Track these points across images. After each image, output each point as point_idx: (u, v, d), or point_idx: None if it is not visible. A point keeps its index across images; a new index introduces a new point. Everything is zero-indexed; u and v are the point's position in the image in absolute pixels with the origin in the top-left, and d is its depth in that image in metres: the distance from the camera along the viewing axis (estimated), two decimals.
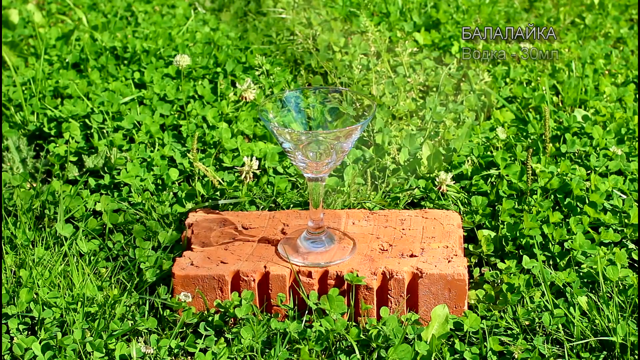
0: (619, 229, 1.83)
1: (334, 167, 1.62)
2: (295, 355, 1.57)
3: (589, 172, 2.00)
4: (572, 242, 1.77)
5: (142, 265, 1.74)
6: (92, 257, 1.79)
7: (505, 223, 1.83)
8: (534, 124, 2.16)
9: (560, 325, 1.59)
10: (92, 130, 2.20)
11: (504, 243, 1.81)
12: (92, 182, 2.02)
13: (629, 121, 2.18)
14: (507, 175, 1.97)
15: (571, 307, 1.62)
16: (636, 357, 1.53)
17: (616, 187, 1.93)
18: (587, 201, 1.89)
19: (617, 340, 1.53)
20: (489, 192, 1.95)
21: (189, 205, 1.92)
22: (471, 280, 1.77)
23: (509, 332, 1.61)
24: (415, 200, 1.96)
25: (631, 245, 1.80)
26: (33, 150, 2.17)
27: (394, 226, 1.75)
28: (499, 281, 1.72)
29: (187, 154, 2.10)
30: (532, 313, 1.62)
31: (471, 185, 1.97)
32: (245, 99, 2.16)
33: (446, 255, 1.66)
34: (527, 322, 1.62)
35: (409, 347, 1.54)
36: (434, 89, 2.40)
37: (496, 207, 1.90)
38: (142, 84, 2.41)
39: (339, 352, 1.57)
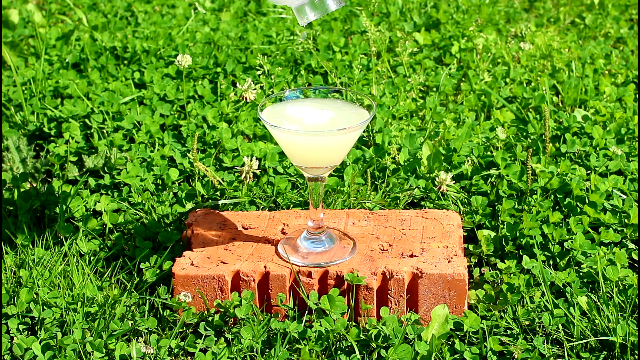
0: (619, 229, 1.83)
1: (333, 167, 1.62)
2: (295, 355, 1.57)
3: (589, 172, 2.00)
4: (572, 242, 1.77)
5: (142, 265, 1.74)
6: (92, 257, 1.79)
7: (505, 223, 1.83)
8: (534, 124, 2.17)
9: (560, 325, 1.59)
10: (92, 130, 2.20)
11: (504, 243, 1.81)
12: (92, 182, 2.03)
13: (629, 121, 2.18)
14: (507, 175, 1.97)
15: (571, 307, 1.62)
16: (636, 357, 1.53)
17: (616, 187, 1.93)
18: (587, 201, 1.89)
19: (617, 340, 1.53)
20: (489, 192, 1.95)
21: (189, 205, 1.92)
22: (471, 280, 1.77)
23: (509, 332, 1.61)
24: (415, 200, 1.96)
25: (631, 245, 1.80)
26: (33, 150, 2.17)
27: (394, 226, 1.75)
28: (499, 281, 1.72)
29: (187, 154, 2.10)
30: (532, 313, 1.62)
31: (471, 185, 1.97)
32: (246, 99, 2.16)
33: (446, 255, 1.66)
34: (527, 322, 1.62)
35: (409, 347, 1.54)
36: (434, 89, 2.40)
37: (496, 207, 1.90)
38: (142, 84, 2.41)
39: (339, 352, 1.57)
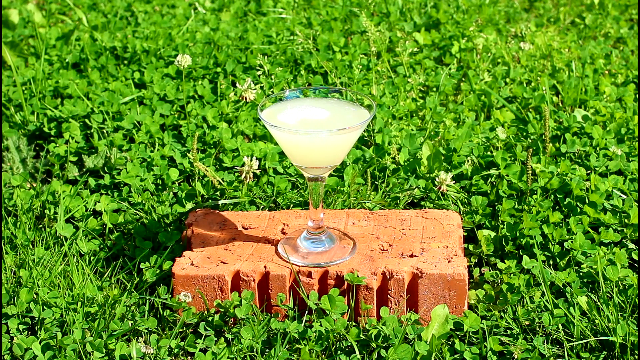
0: (619, 229, 1.83)
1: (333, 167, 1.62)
2: (295, 355, 1.57)
3: (589, 172, 2.00)
4: (572, 242, 1.77)
5: (142, 265, 1.74)
6: (92, 257, 1.79)
7: (505, 223, 1.83)
8: (534, 124, 2.17)
9: (560, 325, 1.59)
10: (92, 130, 2.20)
11: (504, 243, 1.81)
12: (92, 182, 2.03)
13: (629, 121, 2.18)
14: (507, 175, 1.97)
15: (571, 307, 1.62)
16: (636, 357, 1.53)
17: (616, 187, 1.93)
18: (587, 201, 1.89)
19: (617, 340, 1.53)
20: (489, 192, 1.95)
21: (189, 205, 1.92)
22: (471, 280, 1.77)
23: (509, 332, 1.61)
24: (415, 200, 1.96)
25: (631, 245, 1.80)
26: (33, 150, 2.17)
27: (394, 226, 1.75)
28: (499, 281, 1.72)
29: (187, 154, 2.10)
30: (532, 313, 1.62)
31: (471, 185, 1.97)
32: (246, 99, 2.16)
33: (446, 255, 1.66)
34: (527, 322, 1.62)
35: (409, 347, 1.54)
36: (434, 89, 2.40)
37: (496, 207, 1.90)
38: (142, 84, 2.41)
39: (339, 352, 1.57)
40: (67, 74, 2.44)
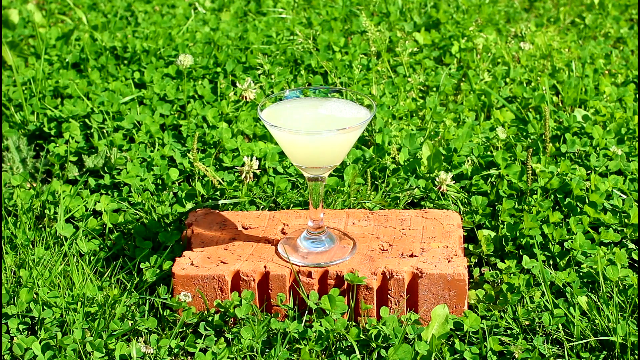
0: (619, 229, 1.83)
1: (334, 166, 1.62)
2: (295, 355, 1.57)
3: (589, 172, 2.00)
4: (572, 242, 1.77)
5: (142, 265, 1.74)
6: (92, 257, 1.79)
7: (505, 223, 1.83)
8: (534, 124, 2.17)
9: (560, 325, 1.59)
10: (92, 130, 2.20)
11: (504, 243, 1.81)
12: (92, 182, 2.03)
13: (629, 121, 2.18)
14: (507, 175, 1.97)
15: (571, 307, 1.62)
16: (636, 357, 1.53)
17: (616, 187, 1.93)
18: (587, 201, 1.89)
19: (617, 340, 1.53)
20: (489, 192, 1.95)
21: (189, 205, 1.92)
22: (471, 280, 1.77)
23: (509, 332, 1.61)
24: (415, 200, 1.96)
25: (631, 245, 1.80)
26: (33, 150, 2.17)
27: (394, 226, 1.75)
28: (499, 281, 1.72)
29: (187, 154, 2.10)
30: (532, 313, 1.62)
31: (471, 185, 1.97)
32: (246, 98, 2.16)
33: (446, 255, 1.66)
34: (527, 322, 1.62)
35: (409, 347, 1.54)
36: (434, 89, 2.40)
37: (496, 207, 1.90)
38: (142, 84, 2.41)
39: (339, 352, 1.57)
40: (67, 74, 2.44)
